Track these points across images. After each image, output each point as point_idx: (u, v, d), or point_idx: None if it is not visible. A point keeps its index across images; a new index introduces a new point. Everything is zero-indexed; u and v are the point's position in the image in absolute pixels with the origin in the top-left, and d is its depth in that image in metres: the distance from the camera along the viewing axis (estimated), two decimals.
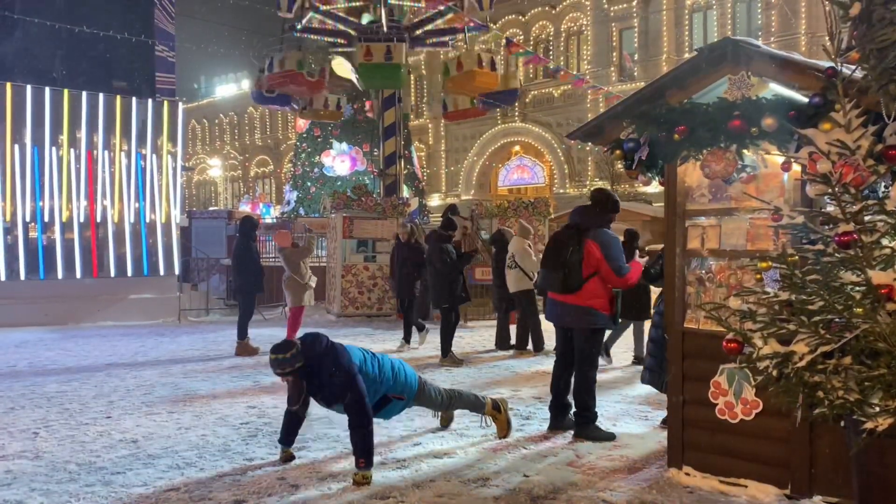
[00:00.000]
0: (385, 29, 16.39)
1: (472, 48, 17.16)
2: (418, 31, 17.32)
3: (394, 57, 15.59)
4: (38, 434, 5.88)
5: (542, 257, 5.90)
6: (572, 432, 5.71)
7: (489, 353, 10.18)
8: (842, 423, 3.10)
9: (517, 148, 36.47)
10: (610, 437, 5.61)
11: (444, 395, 5.46)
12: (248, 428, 6.03)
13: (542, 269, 5.90)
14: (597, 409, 5.77)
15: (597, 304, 5.61)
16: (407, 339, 10.66)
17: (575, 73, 29.95)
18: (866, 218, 3.03)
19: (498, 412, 5.66)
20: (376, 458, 4.85)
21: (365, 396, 4.75)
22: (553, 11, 34.32)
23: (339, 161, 25.11)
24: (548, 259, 5.78)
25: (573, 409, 5.78)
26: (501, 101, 17.89)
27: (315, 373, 4.74)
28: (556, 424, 5.85)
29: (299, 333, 10.25)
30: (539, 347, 9.89)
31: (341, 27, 17.32)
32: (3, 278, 13.70)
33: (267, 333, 11.53)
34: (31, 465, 5.05)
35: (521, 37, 34.05)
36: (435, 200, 35.76)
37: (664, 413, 5.60)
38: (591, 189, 6.17)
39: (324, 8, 16.51)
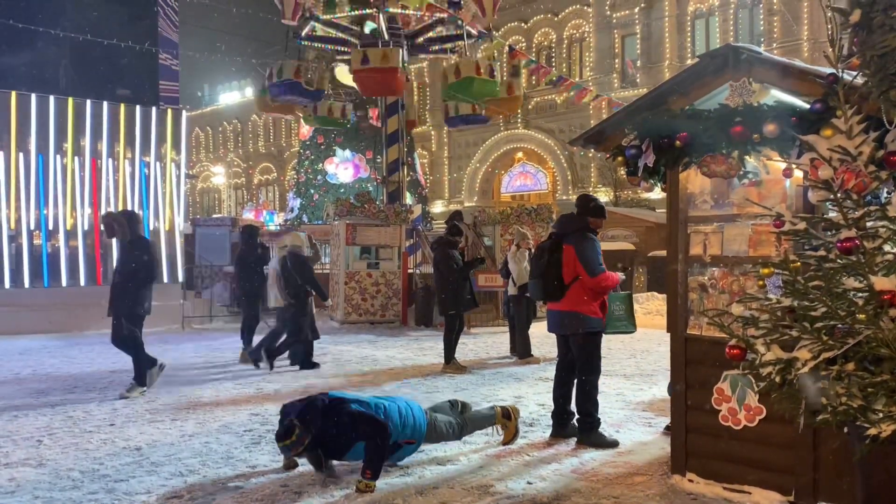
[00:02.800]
0: (386, 37, 16.43)
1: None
2: (420, 39, 17.35)
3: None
4: (42, 442, 5.88)
5: (530, 267, 6.13)
6: (575, 439, 5.70)
7: (492, 359, 10.17)
8: (845, 430, 3.10)
9: (520, 155, 36.50)
10: (613, 444, 5.60)
11: (456, 427, 5.37)
12: (252, 435, 6.03)
13: (530, 279, 6.17)
14: (600, 416, 5.77)
15: (584, 308, 5.62)
16: (140, 379, 7.80)
17: (577, 80, 30.03)
18: (868, 224, 3.02)
19: (508, 420, 5.64)
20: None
21: (377, 420, 4.72)
22: (555, 18, 34.39)
23: (343, 168, 25.12)
24: (532, 268, 6.05)
25: (576, 417, 5.78)
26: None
27: (325, 437, 4.73)
28: (558, 432, 5.85)
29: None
30: (523, 354, 9.86)
31: (343, 35, 17.37)
32: (7, 286, 13.75)
33: None
34: (35, 473, 5.05)
35: (524, 44, 34.13)
36: (438, 207, 35.78)
37: (668, 419, 5.59)
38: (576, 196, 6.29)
39: (324, 17, 16.54)
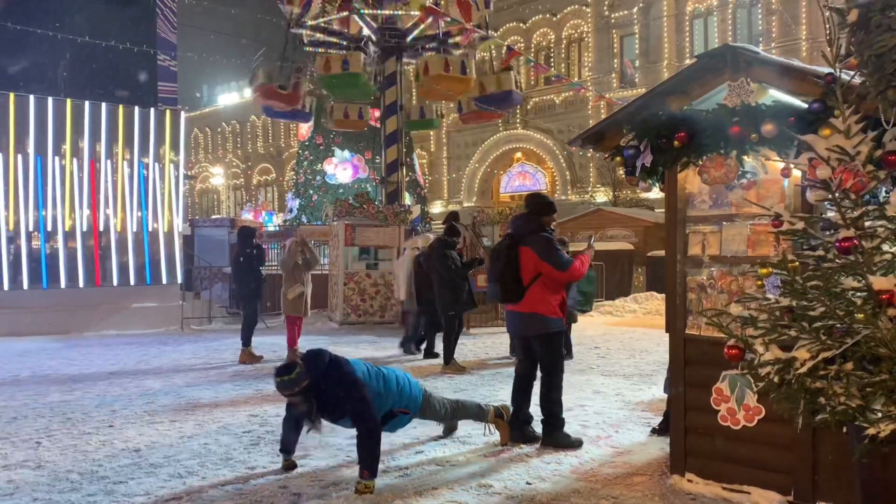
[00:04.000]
0: (374, 38, 16.49)
1: (472, 55, 17.01)
2: (408, 39, 17.27)
3: (350, 66, 15.67)
4: (41, 443, 5.88)
5: (488, 269, 6.15)
6: (539, 441, 5.61)
7: (492, 360, 10.17)
8: (844, 430, 3.10)
9: (519, 155, 36.52)
10: (577, 443, 5.54)
11: (449, 407, 5.45)
12: (251, 436, 6.02)
13: (488, 282, 6.17)
14: (564, 416, 5.69)
15: (543, 309, 5.54)
16: None
17: (576, 79, 30.06)
18: (867, 223, 3.02)
19: (501, 419, 5.65)
20: (378, 466, 4.83)
21: (371, 405, 4.73)
22: (554, 19, 34.41)
23: (342, 169, 25.15)
24: (489, 271, 6.02)
25: (541, 418, 5.66)
26: (497, 105, 17.72)
27: (321, 389, 4.70)
28: (515, 437, 5.68)
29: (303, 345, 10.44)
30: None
31: (345, 30, 17.34)
32: (6, 288, 13.73)
33: (270, 342, 11.54)
34: (33, 475, 5.05)
35: (522, 44, 34.15)
36: (437, 207, 35.79)
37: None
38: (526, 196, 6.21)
39: (311, 23, 16.56)
